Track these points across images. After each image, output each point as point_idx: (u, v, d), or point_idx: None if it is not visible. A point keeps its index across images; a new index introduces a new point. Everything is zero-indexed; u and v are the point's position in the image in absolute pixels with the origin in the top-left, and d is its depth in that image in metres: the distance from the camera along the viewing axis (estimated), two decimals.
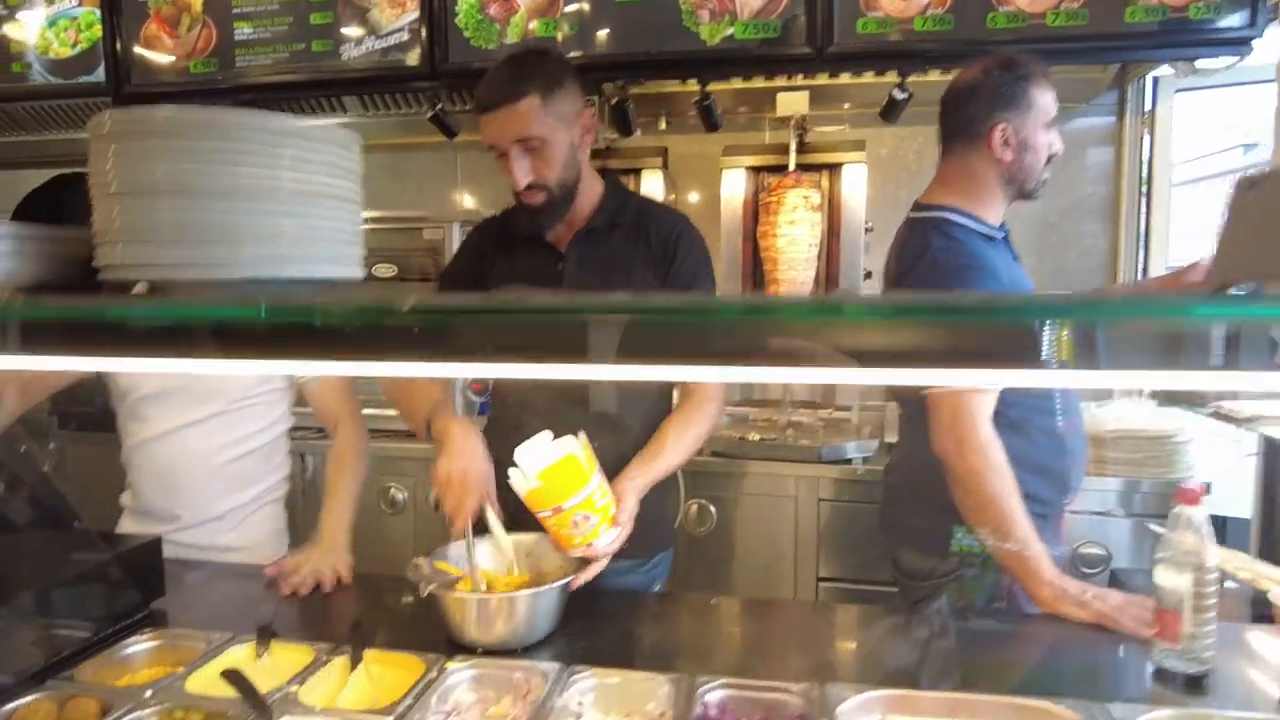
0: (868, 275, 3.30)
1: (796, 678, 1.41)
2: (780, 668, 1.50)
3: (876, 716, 1.34)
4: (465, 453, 1.71)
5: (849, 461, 3.05)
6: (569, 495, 1.55)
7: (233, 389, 2.05)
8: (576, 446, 1.58)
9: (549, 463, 1.54)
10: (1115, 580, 2.72)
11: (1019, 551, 1.71)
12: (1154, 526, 2.52)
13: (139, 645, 1.54)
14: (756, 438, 3.09)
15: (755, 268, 3.32)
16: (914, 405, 2.02)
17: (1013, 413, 1.85)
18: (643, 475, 1.77)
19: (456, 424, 1.77)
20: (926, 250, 1.91)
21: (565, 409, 1.84)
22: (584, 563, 1.65)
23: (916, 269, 1.92)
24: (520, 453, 1.58)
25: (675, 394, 2.06)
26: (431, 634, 1.60)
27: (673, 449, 1.85)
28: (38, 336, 0.85)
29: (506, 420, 2.02)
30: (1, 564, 1.46)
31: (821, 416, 3.43)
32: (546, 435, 1.61)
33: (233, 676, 1.32)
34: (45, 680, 1.38)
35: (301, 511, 3.39)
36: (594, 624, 1.65)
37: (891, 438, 3.26)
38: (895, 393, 2.16)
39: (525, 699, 1.41)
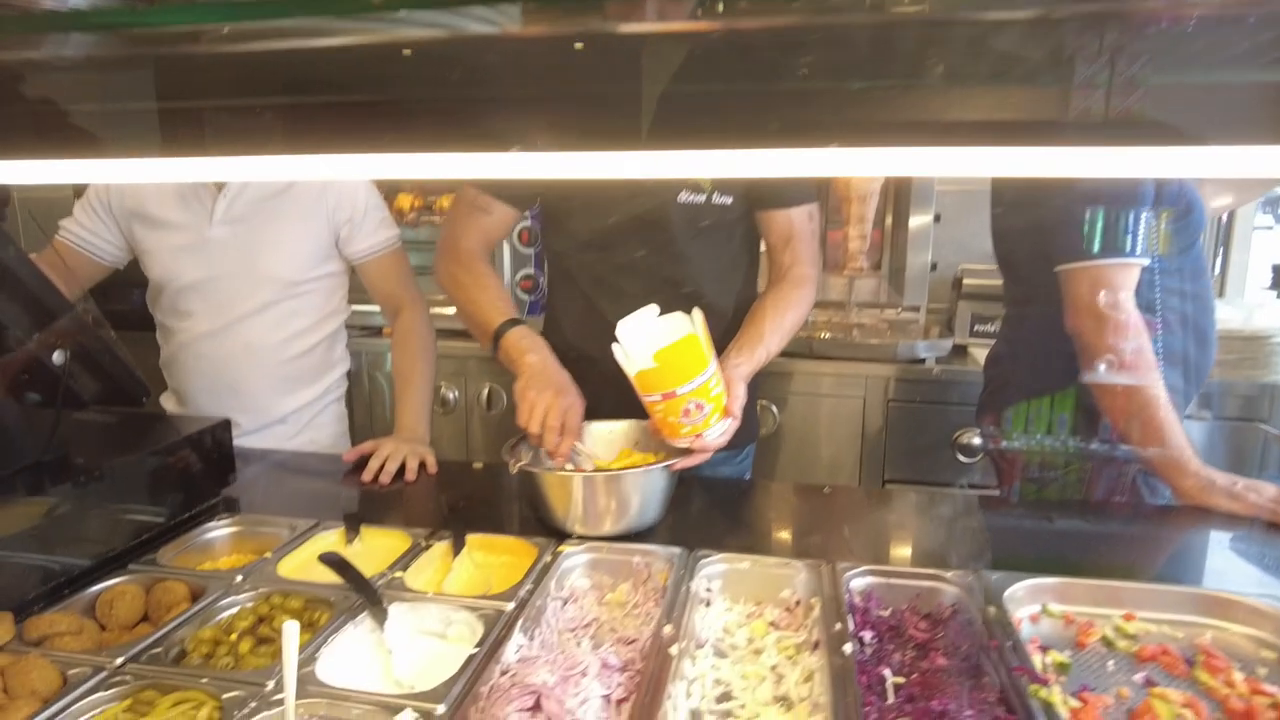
0: None
1: (933, 566, 1.29)
2: (906, 556, 1.38)
3: (1038, 606, 1.23)
4: (554, 384, 1.52)
5: (922, 361, 2.90)
6: (685, 380, 1.36)
7: (284, 272, 1.87)
8: (696, 325, 1.39)
9: (667, 342, 1.34)
10: None
11: (1159, 441, 1.57)
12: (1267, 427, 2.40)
13: (218, 530, 1.42)
14: (826, 336, 2.94)
15: None
16: (1030, 285, 1.85)
17: (1149, 295, 1.68)
18: (747, 362, 1.59)
19: (534, 350, 1.59)
20: None
21: (644, 288, 1.64)
22: (685, 451, 1.51)
23: None
24: (627, 329, 1.40)
25: (760, 282, 1.88)
26: (525, 523, 1.49)
27: (773, 334, 1.66)
28: None
29: (571, 304, 1.85)
30: (73, 444, 1.32)
31: (886, 318, 3.27)
32: (653, 309, 1.44)
33: (332, 559, 1.20)
34: (127, 564, 1.26)
35: (358, 415, 3.31)
36: (700, 511, 1.54)
37: (962, 339, 3.12)
38: (1009, 272, 1.98)
39: (645, 584, 1.30)
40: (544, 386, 1.50)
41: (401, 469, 1.69)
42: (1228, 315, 2.76)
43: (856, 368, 2.91)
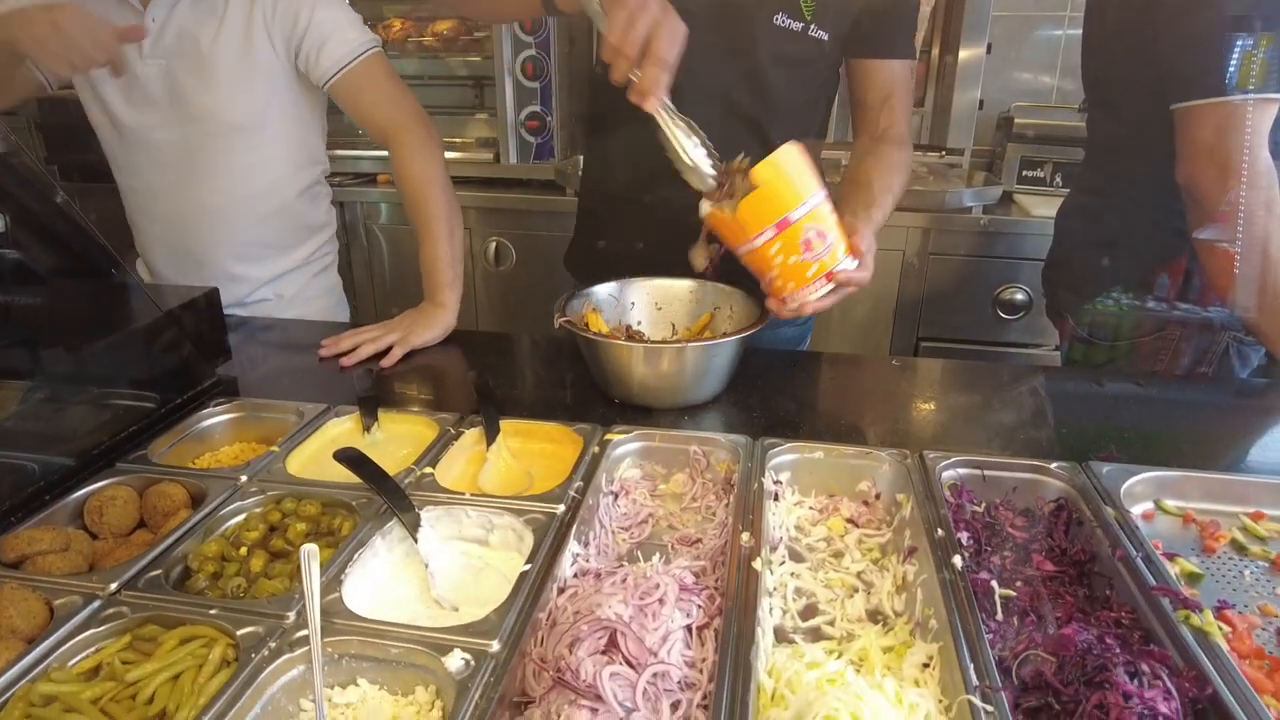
0: None
1: (1024, 454, 1.14)
2: (999, 443, 1.23)
3: (1150, 503, 1.09)
4: None
5: (968, 210, 2.66)
6: (797, 200, 1.09)
7: (230, 114, 1.56)
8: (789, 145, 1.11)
9: (764, 162, 1.08)
10: None
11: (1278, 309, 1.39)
12: None
13: (215, 418, 1.26)
14: None
15: None
16: (1129, 124, 1.60)
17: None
18: (864, 221, 1.31)
19: None
20: None
21: (715, 118, 1.37)
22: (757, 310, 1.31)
23: None
24: (700, 151, 1.14)
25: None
26: (563, 405, 1.33)
27: (884, 195, 1.43)
28: None
29: (622, 140, 1.58)
30: (35, 322, 1.13)
31: (928, 161, 2.99)
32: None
33: (350, 456, 1.04)
34: (115, 462, 1.10)
35: (358, 280, 3.08)
36: (754, 387, 1.37)
37: (1010, 185, 2.86)
38: (1102, 110, 1.71)
39: (703, 475, 1.15)
40: None
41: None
42: None
43: (896, 217, 2.65)
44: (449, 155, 2.88)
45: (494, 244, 2.88)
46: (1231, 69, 1.34)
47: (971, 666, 0.75)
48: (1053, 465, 1.10)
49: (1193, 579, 0.96)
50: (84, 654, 0.80)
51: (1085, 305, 1.76)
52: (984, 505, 1.10)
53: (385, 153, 1.65)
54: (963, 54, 2.81)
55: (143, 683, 0.75)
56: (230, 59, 1.52)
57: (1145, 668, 0.75)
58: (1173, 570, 0.96)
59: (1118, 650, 0.76)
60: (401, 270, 3.06)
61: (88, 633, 0.81)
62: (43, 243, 1.09)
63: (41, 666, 0.76)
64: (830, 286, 1.18)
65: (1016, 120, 2.87)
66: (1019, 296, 2.67)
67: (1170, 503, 1.08)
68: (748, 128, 1.51)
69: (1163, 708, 0.70)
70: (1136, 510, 1.07)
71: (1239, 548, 1.01)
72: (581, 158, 1.79)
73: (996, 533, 1.06)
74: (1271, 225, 1.35)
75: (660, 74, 1.10)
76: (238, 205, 1.64)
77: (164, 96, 1.54)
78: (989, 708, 0.71)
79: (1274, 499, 1.07)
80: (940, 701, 0.76)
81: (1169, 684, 0.73)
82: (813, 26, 1.45)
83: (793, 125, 1.51)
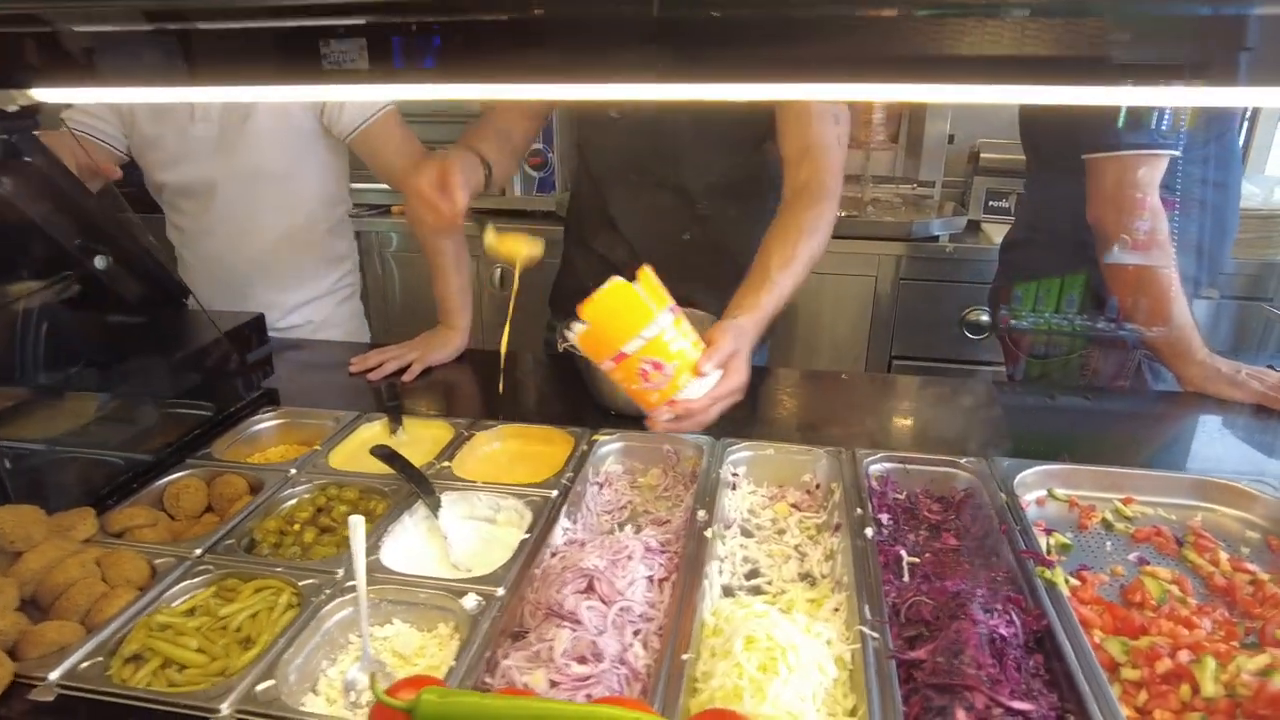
0: None
1: (946, 452, 1.37)
2: (923, 443, 1.46)
3: (1044, 491, 1.31)
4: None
5: (935, 239, 2.90)
6: (629, 335, 1.13)
7: (269, 164, 1.81)
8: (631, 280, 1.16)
9: (591, 299, 1.14)
10: None
11: (1169, 330, 1.62)
12: (1273, 309, 2.44)
13: (264, 424, 1.50)
14: (840, 214, 2.92)
15: None
16: (1054, 171, 1.84)
17: (1174, 183, 1.67)
18: (748, 314, 1.34)
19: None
20: None
21: (652, 195, 1.61)
22: None
23: None
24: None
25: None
26: (557, 412, 1.56)
27: (781, 271, 1.39)
28: None
29: (584, 231, 1.84)
30: (121, 343, 1.37)
31: (901, 193, 3.24)
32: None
33: (384, 453, 1.28)
34: (185, 459, 1.34)
35: (373, 301, 3.33)
36: None
37: (976, 215, 3.10)
38: (1034, 156, 1.95)
39: (674, 470, 1.38)
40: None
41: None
42: (1249, 192, 2.74)
43: (869, 246, 2.91)
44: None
45: (499, 270, 3.13)
46: (1128, 128, 1.58)
47: (867, 607, 0.98)
48: (963, 460, 1.32)
49: (1064, 549, 1.18)
50: (182, 599, 1.03)
51: (1016, 323, 1.99)
52: (905, 493, 1.33)
53: None
54: None
55: (230, 617, 0.98)
56: (269, 120, 1.78)
57: (999, 606, 0.97)
58: (1049, 542, 1.19)
59: (980, 594, 0.99)
60: (412, 293, 3.31)
61: (183, 584, 1.04)
62: (132, 276, 1.33)
63: (152, 606, 1.00)
64: (669, 414, 1.19)
65: (982, 155, 3.11)
66: (984, 318, 2.89)
67: (1060, 491, 1.31)
68: (690, 207, 1.68)
69: (1003, 631, 0.92)
70: (1031, 497, 1.30)
71: (1107, 525, 1.24)
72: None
73: (915, 516, 1.29)
74: (1160, 258, 1.58)
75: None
76: (274, 242, 1.89)
77: (212, 153, 1.79)
78: (875, 634, 0.93)
79: (1144, 487, 1.30)
80: (842, 632, 0.98)
81: (1015, 617, 0.96)
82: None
83: (739, 200, 1.70)
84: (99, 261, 1.25)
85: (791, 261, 1.41)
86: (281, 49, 0.84)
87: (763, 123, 1.61)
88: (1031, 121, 1.92)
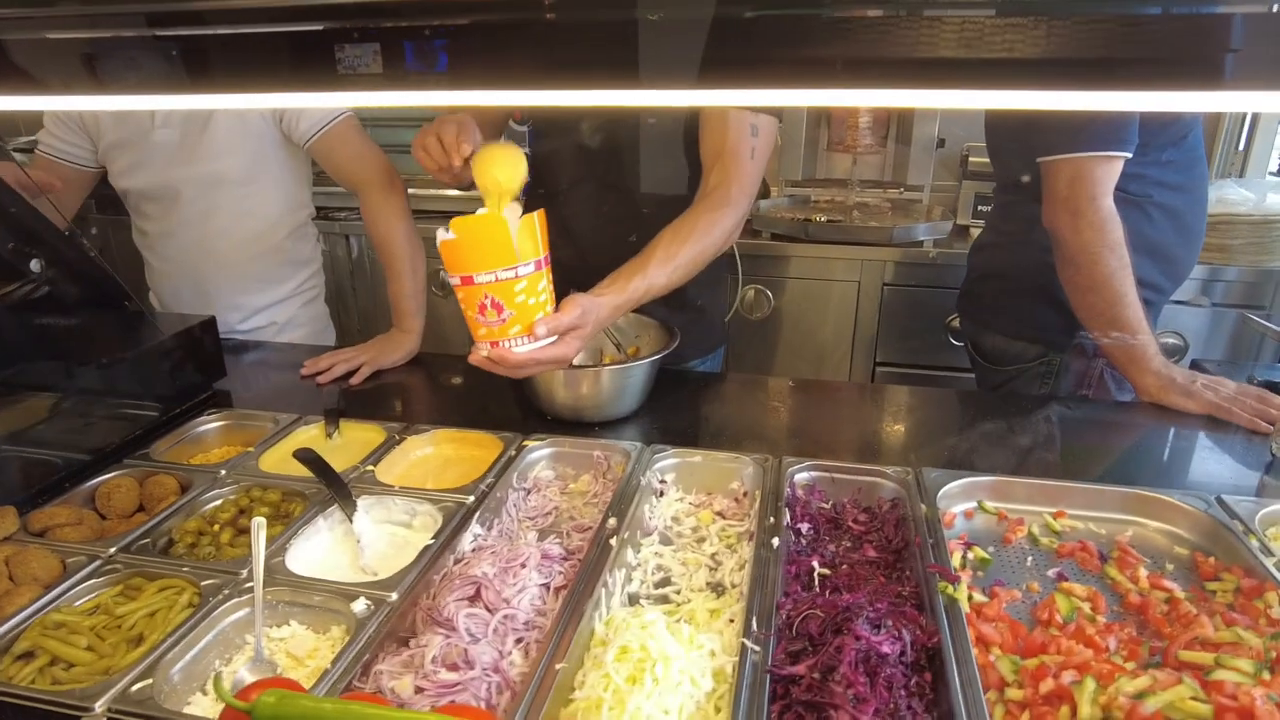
0: None
1: (883, 461, 1.35)
2: (864, 451, 1.44)
3: (973, 503, 1.29)
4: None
5: (920, 244, 2.87)
6: (483, 267, 1.16)
7: (228, 170, 1.83)
8: (515, 214, 1.19)
9: (471, 216, 1.16)
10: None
11: (1126, 337, 1.58)
12: (1253, 316, 2.38)
13: (207, 425, 1.52)
14: (822, 219, 2.90)
15: None
16: (1016, 175, 1.81)
17: (1134, 187, 1.64)
18: (612, 293, 1.35)
19: None
20: None
21: (588, 189, 1.62)
22: (669, 338, 1.54)
23: None
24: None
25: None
26: (495, 417, 1.56)
27: (660, 267, 1.41)
28: None
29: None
30: (62, 345, 1.40)
31: (889, 198, 3.21)
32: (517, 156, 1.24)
33: (306, 456, 1.29)
34: (123, 459, 1.36)
35: (343, 297, 3.37)
36: (667, 406, 1.59)
37: (964, 220, 3.06)
38: (997, 161, 1.93)
39: (605, 476, 1.38)
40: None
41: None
42: (1240, 198, 2.67)
43: (854, 251, 2.89)
44: (444, 192, 3.16)
45: (440, 272, 3.14)
46: (1081, 130, 1.55)
47: (755, 619, 0.97)
48: (889, 470, 1.31)
49: (983, 563, 1.16)
50: (86, 598, 1.04)
51: (984, 333, 1.97)
52: (832, 503, 1.31)
53: None
54: None
55: (127, 616, 1.00)
56: (228, 126, 1.80)
57: (890, 622, 0.96)
58: (968, 556, 1.17)
59: (871, 609, 0.97)
60: (378, 296, 3.34)
61: (90, 582, 1.06)
62: (69, 279, 1.36)
63: (54, 605, 1.01)
64: (486, 353, 1.24)
65: (970, 159, 3.07)
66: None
67: (989, 503, 1.28)
68: (624, 202, 1.70)
69: (885, 648, 0.91)
70: (959, 509, 1.28)
71: (1033, 539, 1.21)
72: None
73: (839, 526, 1.27)
74: (1114, 263, 1.55)
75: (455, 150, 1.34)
76: (236, 246, 1.92)
77: (173, 159, 1.82)
78: (755, 647, 0.92)
79: (1076, 500, 1.27)
80: (730, 644, 0.97)
81: (903, 634, 0.94)
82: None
83: (670, 196, 1.68)
84: (33, 265, 1.28)
85: (673, 259, 1.43)
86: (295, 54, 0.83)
87: (679, 128, 1.63)
88: (993, 124, 1.89)
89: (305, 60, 0.80)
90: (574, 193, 1.75)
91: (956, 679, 0.88)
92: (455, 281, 1.19)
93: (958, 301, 2.12)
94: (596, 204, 1.72)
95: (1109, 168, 1.55)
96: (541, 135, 1.81)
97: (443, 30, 0.78)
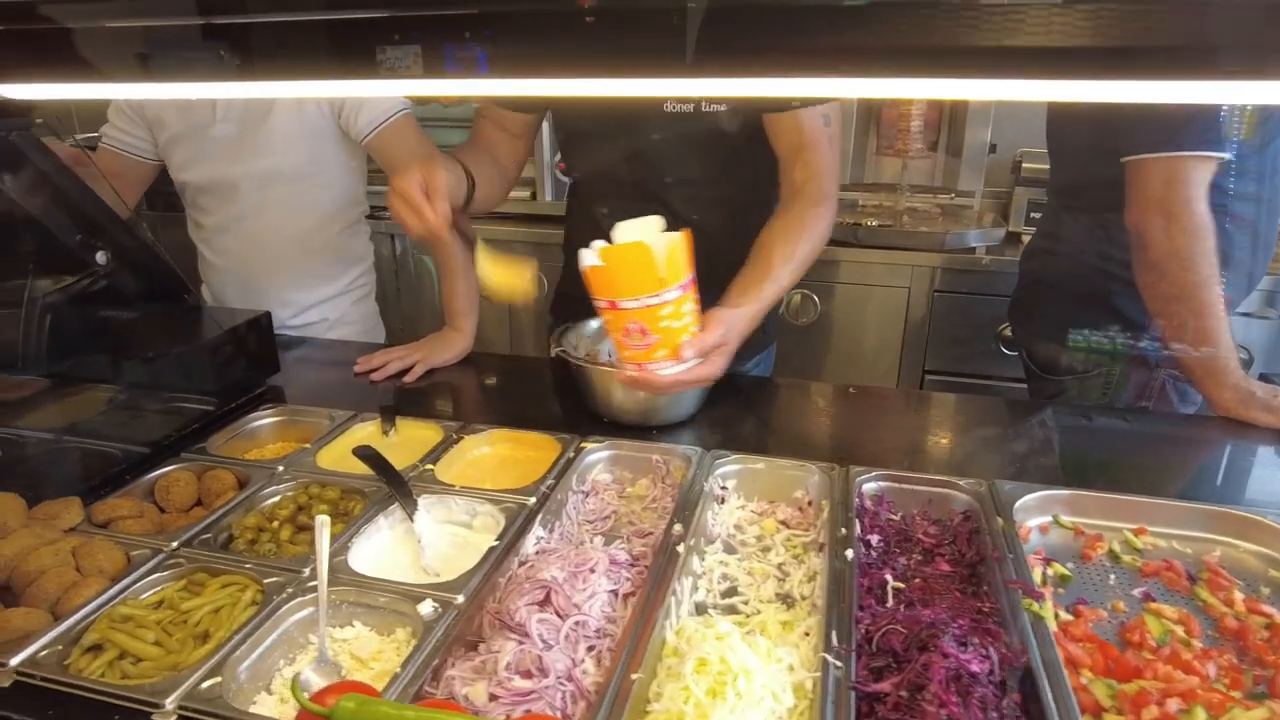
0: None
1: (947, 471, 1.31)
2: (926, 460, 1.40)
3: (1048, 517, 1.24)
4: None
5: (972, 251, 2.81)
6: (630, 294, 1.17)
7: (285, 165, 1.83)
8: (660, 236, 1.19)
9: (630, 237, 1.19)
10: None
11: (1208, 349, 1.52)
12: None
13: (262, 420, 1.51)
14: (874, 224, 2.85)
15: None
16: (1083, 176, 1.76)
17: (1213, 196, 1.57)
18: (750, 303, 1.37)
19: None
20: None
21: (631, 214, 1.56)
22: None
23: None
24: (619, 227, 1.24)
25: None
26: (553, 417, 1.54)
27: (783, 267, 1.42)
28: None
29: (580, 240, 1.83)
30: (123, 337, 1.40)
31: (939, 203, 3.15)
32: (659, 220, 1.25)
33: (366, 453, 1.28)
34: (180, 452, 1.36)
35: (389, 294, 3.38)
36: (721, 410, 1.56)
37: (1016, 226, 3.00)
38: (1058, 162, 1.87)
39: (663, 481, 1.35)
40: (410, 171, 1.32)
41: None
42: None
43: (903, 256, 2.83)
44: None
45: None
46: (1177, 128, 1.49)
47: (834, 634, 0.93)
48: (962, 481, 1.26)
49: (1063, 580, 1.11)
50: (151, 591, 1.03)
51: (1037, 341, 1.91)
52: (901, 514, 1.27)
53: None
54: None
55: (192, 611, 0.98)
56: (287, 121, 1.80)
57: (976, 640, 0.92)
58: (1047, 572, 1.13)
59: (955, 625, 0.93)
60: (429, 295, 3.34)
61: (154, 576, 1.05)
62: (130, 271, 1.36)
63: (120, 597, 1.00)
64: (634, 373, 1.25)
65: (1024, 165, 3.00)
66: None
67: (1065, 518, 1.24)
68: (662, 210, 1.66)
69: (974, 667, 0.87)
70: (1034, 523, 1.23)
71: (1114, 556, 1.16)
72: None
73: (908, 538, 1.23)
74: (1205, 271, 1.48)
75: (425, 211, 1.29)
76: (290, 241, 1.92)
77: (232, 153, 1.83)
78: (838, 663, 0.89)
79: (1158, 517, 1.22)
80: (808, 659, 0.94)
81: (990, 652, 0.90)
82: (705, 103, 1.52)
83: (726, 211, 1.65)
84: (99, 257, 1.28)
85: (793, 258, 1.43)
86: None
87: (742, 129, 1.58)
88: (1061, 121, 1.83)
89: (362, 52, 0.79)
90: (610, 199, 1.71)
91: (1052, 702, 0.84)
92: (601, 305, 1.21)
93: (1009, 310, 2.06)
94: (637, 211, 1.66)
95: (1205, 170, 1.48)
96: (569, 138, 1.78)
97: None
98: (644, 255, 1.15)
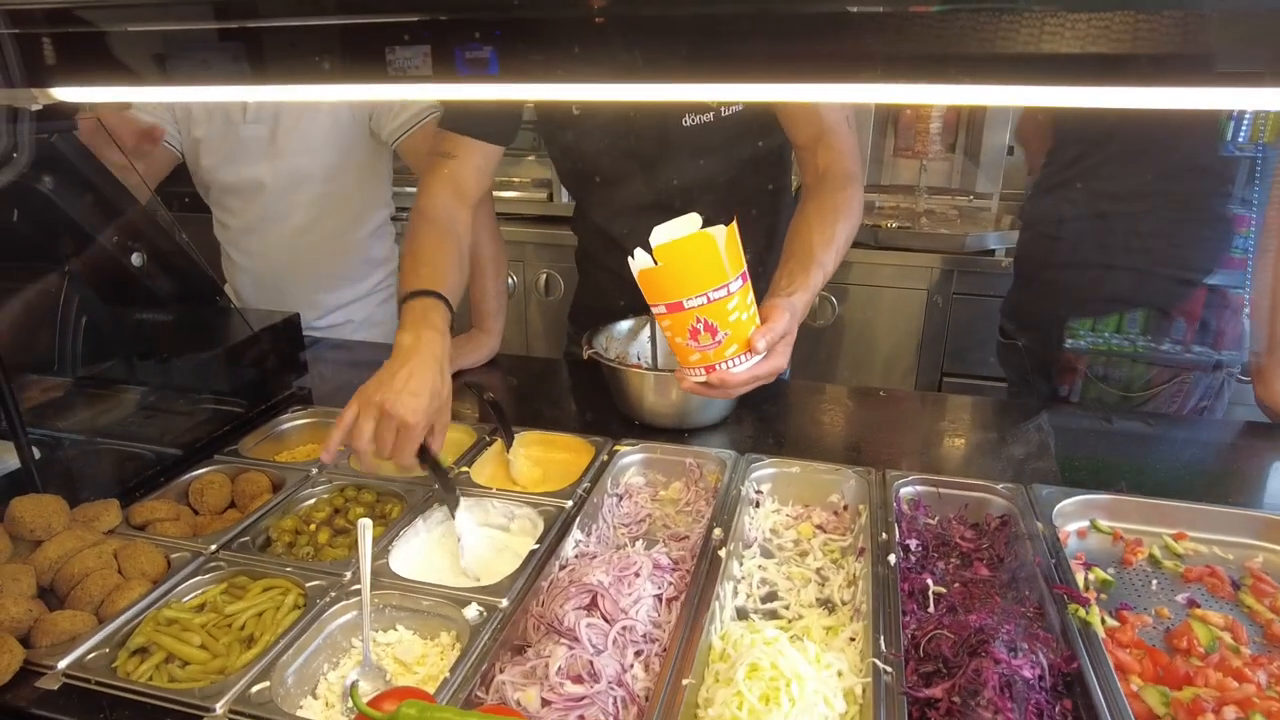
0: None
1: (981, 475, 1.30)
2: (957, 464, 1.39)
3: (1086, 521, 1.23)
4: (394, 392, 1.20)
5: (991, 253, 2.80)
6: (694, 290, 1.07)
7: (314, 166, 1.82)
8: (719, 230, 1.11)
9: (675, 238, 1.09)
10: None
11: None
12: None
13: (292, 422, 1.51)
14: (892, 225, 2.85)
15: None
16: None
17: (1250, 191, 1.57)
18: (801, 289, 1.29)
19: (415, 331, 1.29)
20: None
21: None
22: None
23: None
24: (657, 231, 1.14)
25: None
26: (582, 420, 1.54)
27: (824, 249, 1.35)
28: None
29: (592, 247, 1.80)
30: (155, 339, 1.40)
31: (956, 205, 3.14)
32: (695, 218, 1.15)
33: (420, 452, 1.26)
34: (212, 455, 1.36)
35: None
36: (751, 413, 1.56)
37: None
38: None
39: (697, 484, 1.35)
40: (377, 393, 1.22)
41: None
42: None
43: (921, 259, 2.83)
44: (508, 194, 3.15)
45: (545, 275, 3.13)
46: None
47: (883, 639, 0.93)
48: (999, 486, 1.26)
49: (1104, 585, 1.10)
50: (192, 595, 1.03)
51: (1074, 343, 1.90)
52: (938, 518, 1.26)
53: None
54: None
55: (236, 615, 0.98)
56: (318, 123, 1.80)
57: (1025, 645, 0.91)
58: (1088, 577, 1.12)
59: (1004, 630, 0.93)
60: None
61: (195, 579, 1.05)
62: (166, 274, 1.36)
63: (163, 600, 1.00)
64: (703, 377, 1.16)
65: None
66: None
67: (1104, 522, 1.23)
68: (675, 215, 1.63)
69: (1026, 672, 0.86)
70: (1072, 528, 1.22)
71: (1155, 561, 1.16)
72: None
73: (946, 543, 1.22)
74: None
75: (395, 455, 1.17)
76: (316, 242, 1.91)
77: (260, 154, 1.83)
78: (889, 668, 0.88)
79: (1198, 522, 1.21)
80: (855, 664, 0.93)
81: (1040, 657, 0.89)
82: (722, 108, 1.51)
83: (754, 207, 1.65)
84: (135, 259, 1.28)
85: (832, 241, 1.36)
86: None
87: (760, 125, 1.56)
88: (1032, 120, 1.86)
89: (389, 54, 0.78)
90: (622, 210, 1.69)
91: (1105, 710, 0.83)
92: (660, 310, 1.11)
93: (1002, 305, 2.09)
94: (647, 218, 1.64)
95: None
96: (557, 150, 1.76)
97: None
98: (707, 246, 1.06)
